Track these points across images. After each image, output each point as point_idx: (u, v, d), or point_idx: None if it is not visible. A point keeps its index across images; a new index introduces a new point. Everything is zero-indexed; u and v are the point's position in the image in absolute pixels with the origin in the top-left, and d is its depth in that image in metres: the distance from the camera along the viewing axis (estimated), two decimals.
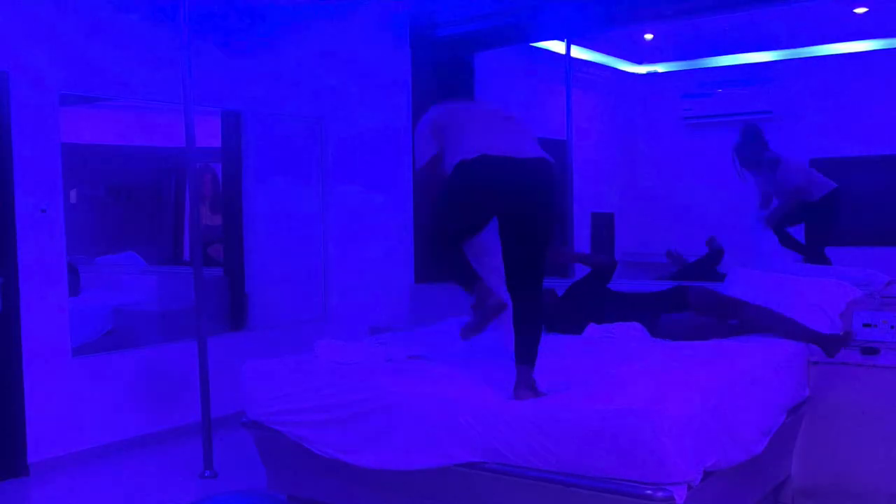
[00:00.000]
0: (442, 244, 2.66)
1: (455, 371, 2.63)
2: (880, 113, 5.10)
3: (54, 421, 3.60)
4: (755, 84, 5.38)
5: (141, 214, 4.31)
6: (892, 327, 3.07)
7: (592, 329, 3.31)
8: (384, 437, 2.48)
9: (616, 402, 2.15)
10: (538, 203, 2.52)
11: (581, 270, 3.73)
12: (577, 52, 5.11)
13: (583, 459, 2.16)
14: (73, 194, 3.81)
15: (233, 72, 4.33)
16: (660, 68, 5.86)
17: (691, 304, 3.17)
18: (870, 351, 3.01)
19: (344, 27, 4.73)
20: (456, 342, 3.09)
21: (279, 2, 4.36)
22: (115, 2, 3.83)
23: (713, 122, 5.43)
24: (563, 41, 4.59)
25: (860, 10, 4.76)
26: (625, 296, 3.46)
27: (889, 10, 4.75)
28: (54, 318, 3.61)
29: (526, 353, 2.47)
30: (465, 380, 2.52)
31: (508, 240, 2.52)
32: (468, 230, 2.60)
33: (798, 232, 4.30)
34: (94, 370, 3.76)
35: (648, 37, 5.38)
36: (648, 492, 2.08)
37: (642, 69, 5.91)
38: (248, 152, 4.48)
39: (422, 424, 2.41)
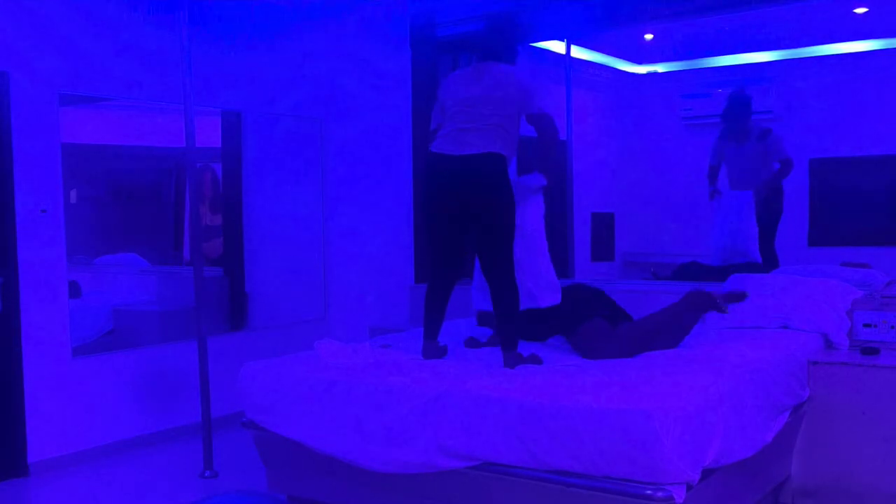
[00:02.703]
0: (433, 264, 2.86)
1: (452, 371, 2.63)
2: (880, 113, 5.09)
3: (54, 421, 3.60)
4: (755, 84, 5.37)
5: (141, 214, 4.31)
6: (892, 327, 3.07)
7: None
8: (382, 438, 2.48)
9: (615, 402, 2.15)
10: (483, 196, 2.69)
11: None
12: (577, 53, 5.10)
13: (582, 459, 2.16)
14: (73, 194, 3.81)
15: (233, 72, 4.33)
16: (660, 68, 5.85)
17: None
18: (870, 351, 3.01)
19: (344, 27, 4.73)
20: (455, 343, 3.09)
21: (279, 1, 4.36)
22: (116, 2, 3.83)
23: (713, 123, 5.42)
24: (563, 41, 4.59)
25: (860, 10, 4.77)
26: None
27: (889, 11, 4.75)
28: (54, 318, 3.61)
29: (510, 341, 2.70)
30: (463, 379, 2.52)
31: (475, 234, 2.76)
32: (441, 233, 2.82)
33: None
34: (94, 370, 3.76)
35: (648, 37, 5.38)
36: (648, 492, 2.08)
37: (642, 69, 5.90)
38: (248, 152, 4.48)
39: (423, 425, 2.41)
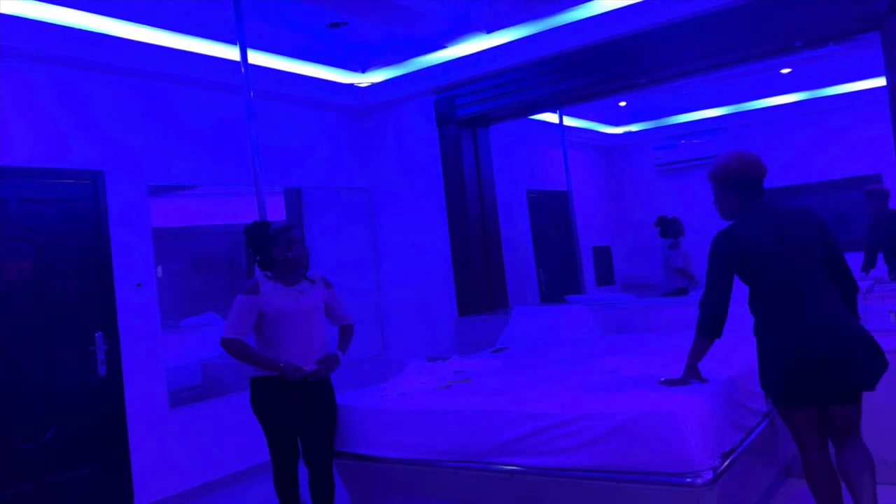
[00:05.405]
0: None
1: (503, 387, 2.65)
2: (799, 151, 5.35)
3: (156, 466, 3.52)
4: (708, 134, 5.60)
5: (218, 280, 4.34)
6: None
7: None
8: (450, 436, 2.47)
9: (642, 404, 2.14)
10: None
11: None
12: (569, 121, 5.31)
13: (620, 457, 2.15)
14: (159, 269, 3.82)
15: (292, 157, 4.45)
16: (633, 128, 6.10)
17: None
18: None
19: (384, 121, 4.89)
20: (495, 363, 3.11)
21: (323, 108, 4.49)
22: (190, 109, 3.96)
23: (680, 168, 5.63)
24: (556, 113, 4.77)
25: (785, 71, 5.05)
26: None
27: (806, 71, 5.05)
28: (153, 376, 3.55)
29: None
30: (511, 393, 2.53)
31: None
32: None
33: None
34: (189, 418, 3.69)
35: (622, 104, 5.62)
36: (688, 480, 2.05)
37: (620, 130, 6.14)
38: (309, 221, 4.55)
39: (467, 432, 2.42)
